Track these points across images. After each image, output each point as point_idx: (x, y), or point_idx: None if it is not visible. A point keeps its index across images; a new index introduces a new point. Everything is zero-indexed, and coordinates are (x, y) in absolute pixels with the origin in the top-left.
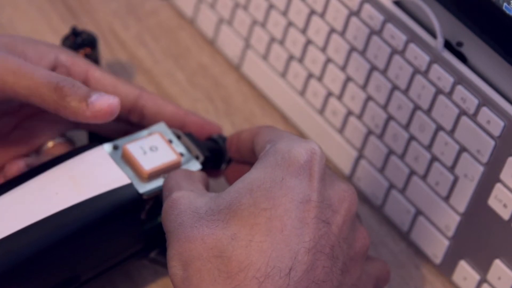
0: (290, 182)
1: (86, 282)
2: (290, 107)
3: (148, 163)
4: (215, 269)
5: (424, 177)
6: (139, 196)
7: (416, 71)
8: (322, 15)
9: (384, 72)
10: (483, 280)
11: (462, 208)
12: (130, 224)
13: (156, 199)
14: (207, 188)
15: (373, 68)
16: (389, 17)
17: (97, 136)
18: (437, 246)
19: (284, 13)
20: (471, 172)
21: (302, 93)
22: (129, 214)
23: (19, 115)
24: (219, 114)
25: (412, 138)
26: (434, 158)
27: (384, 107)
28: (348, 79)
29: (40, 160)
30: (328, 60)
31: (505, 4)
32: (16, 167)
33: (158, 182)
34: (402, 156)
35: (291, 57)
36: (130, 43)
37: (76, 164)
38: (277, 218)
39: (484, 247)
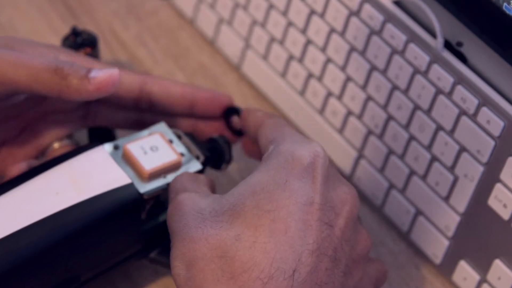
0: (293, 184)
1: (86, 282)
2: (290, 107)
3: (149, 163)
4: (218, 269)
5: (424, 177)
6: (140, 196)
7: (416, 71)
8: (322, 15)
9: (384, 72)
10: (483, 280)
11: (462, 208)
12: (131, 224)
13: (157, 199)
14: (213, 191)
15: (373, 68)
16: (389, 17)
17: (97, 136)
18: (437, 246)
19: (284, 13)
20: (471, 172)
21: (302, 93)
22: (129, 214)
23: (25, 118)
24: None
25: (412, 138)
26: (434, 158)
27: (384, 107)
28: (348, 79)
29: (43, 161)
30: (328, 60)
31: (505, 4)
32: (18, 169)
33: (158, 182)
34: (402, 156)
35: (291, 57)
36: (130, 43)
37: (76, 164)
38: (281, 220)
39: (484, 247)
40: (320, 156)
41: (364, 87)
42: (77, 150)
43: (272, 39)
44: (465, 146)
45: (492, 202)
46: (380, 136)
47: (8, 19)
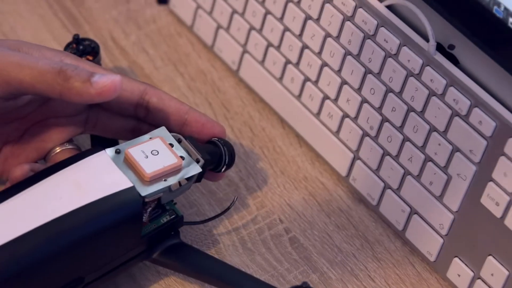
0: None
1: (90, 283)
2: (287, 110)
3: (150, 166)
4: None
5: (418, 177)
6: (141, 199)
7: (409, 73)
8: (317, 20)
9: (378, 75)
10: (476, 276)
11: (455, 206)
12: (133, 226)
13: (158, 201)
14: None
15: (367, 71)
16: (383, 22)
17: (99, 141)
18: (431, 244)
19: (280, 19)
20: (464, 171)
21: (299, 96)
22: (131, 216)
23: (27, 121)
24: (218, 118)
25: (406, 139)
26: (427, 158)
27: (379, 109)
28: (343, 82)
29: (45, 165)
30: (324, 64)
31: (495, 7)
32: (20, 171)
33: (159, 185)
34: (396, 157)
35: (287, 62)
36: (131, 50)
37: (79, 168)
38: None
39: (477, 245)
40: None
41: (359, 89)
42: (80, 155)
43: (269, 44)
44: (458, 146)
45: (485, 200)
46: (375, 138)
47: (10, 28)
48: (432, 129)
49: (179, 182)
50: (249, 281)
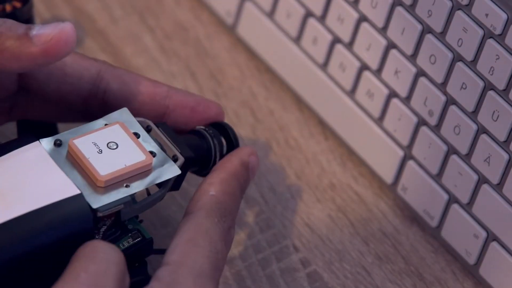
0: None
1: None
2: (306, 86)
3: (105, 166)
4: None
5: (499, 186)
6: (92, 212)
7: (487, 34)
8: None
9: (441, 35)
10: None
11: None
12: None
13: (116, 217)
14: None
15: (425, 29)
16: None
17: (30, 126)
18: None
19: None
20: None
21: (324, 65)
22: (76, 237)
23: None
24: (204, 95)
25: (482, 130)
26: None
27: (442, 85)
28: (390, 45)
29: None
30: (362, 18)
31: None
32: None
33: (118, 194)
34: (467, 156)
35: (308, 14)
36: None
37: (2, 167)
38: None
39: None
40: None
41: (413, 56)
42: (2, 147)
43: None
44: None
45: None
46: (436, 128)
47: None
48: None
49: (147, 190)
50: None
